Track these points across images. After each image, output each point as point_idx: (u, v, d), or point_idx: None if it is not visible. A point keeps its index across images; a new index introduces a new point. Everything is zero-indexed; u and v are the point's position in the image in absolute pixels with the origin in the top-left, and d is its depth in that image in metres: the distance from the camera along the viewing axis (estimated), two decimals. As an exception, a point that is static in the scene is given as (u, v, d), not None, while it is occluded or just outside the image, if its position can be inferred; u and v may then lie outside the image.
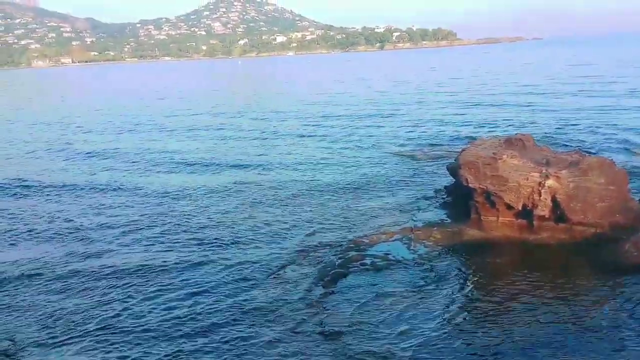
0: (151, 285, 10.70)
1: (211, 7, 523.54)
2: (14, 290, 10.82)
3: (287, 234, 13.29)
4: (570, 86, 45.38)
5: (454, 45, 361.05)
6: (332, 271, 10.86)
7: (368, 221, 13.84)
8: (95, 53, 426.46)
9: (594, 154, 17.65)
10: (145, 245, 12.95)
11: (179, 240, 13.15)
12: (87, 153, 25.97)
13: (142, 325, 9.17)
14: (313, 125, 32.22)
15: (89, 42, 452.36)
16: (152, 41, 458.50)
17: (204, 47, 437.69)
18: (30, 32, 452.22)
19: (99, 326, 9.19)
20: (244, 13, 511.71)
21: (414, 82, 64.35)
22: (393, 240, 12.38)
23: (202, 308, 9.66)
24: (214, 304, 9.79)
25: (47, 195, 18.09)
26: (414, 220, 13.66)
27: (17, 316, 9.74)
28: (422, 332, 8.62)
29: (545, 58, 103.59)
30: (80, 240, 13.49)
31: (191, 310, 9.59)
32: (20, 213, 16.09)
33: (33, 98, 78.07)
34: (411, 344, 8.29)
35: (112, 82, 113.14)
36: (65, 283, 11.00)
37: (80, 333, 9.02)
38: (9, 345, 8.79)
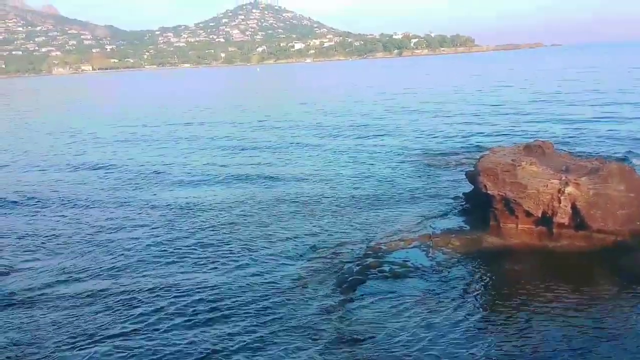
0: (169, 291, 10.79)
1: (230, 14, 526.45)
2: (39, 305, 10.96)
3: (305, 240, 13.34)
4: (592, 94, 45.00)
5: (472, 51, 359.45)
6: (351, 278, 10.88)
7: (386, 228, 13.84)
8: (115, 60, 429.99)
9: (614, 160, 17.52)
10: (166, 248, 13.10)
11: (196, 248, 13.23)
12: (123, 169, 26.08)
13: (162, 330, 9.26)
14: (331, 133, 32.33)
15: (108, 50, 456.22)
16: (171, 48, 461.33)
17: (223, 54, 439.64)
18: (51, 40, 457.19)
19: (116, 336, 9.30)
20: (263, 20, 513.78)
21: (445, 89, 64.09)
22: (411, 247, 12.38)
23: (222, 313, 9.74)
24: (233, 310, 9.85)
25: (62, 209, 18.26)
26: (433, 227, 13.64)
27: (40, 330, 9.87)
28: (441, 338, 8.63)
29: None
30: (99, 254, 13.49)
31: (210, 316, 9.67)
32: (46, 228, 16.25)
33: (74, 104, 78.66)
34: (430, 351, 8.30)
35: (136, 91, 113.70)
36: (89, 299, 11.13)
37: (99, 341, 9.13)
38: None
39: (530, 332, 8.69)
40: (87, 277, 11.77)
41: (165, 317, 9.75)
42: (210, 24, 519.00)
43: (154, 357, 8.53)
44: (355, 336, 8.80)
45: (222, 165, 23.70)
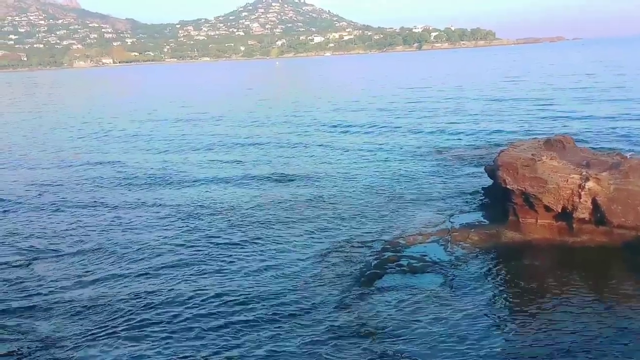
0: (187, 284, 10.87)
1: (250, 7, 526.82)
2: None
3: (324, 235, 13.36)
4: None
5: (493, 45, 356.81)
6: (369, 272, 10.89)
7: (405, 223, 13.82)
8: (136, 53, 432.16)
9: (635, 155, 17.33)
10: (180, 240, 13.19)
11: (213, 245, 13.29)
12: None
13: (177, 323, 9.34)
14: (350, 125, 32.33)
15: (129, 43, 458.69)
16: (192, 42, 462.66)
17: (242, 48, 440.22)
18: (72, 33, 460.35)
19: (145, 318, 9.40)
20: (282, 14, 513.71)
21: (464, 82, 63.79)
22: (430, 242, 12.35)
23: (239, 308, 9.78)
24: (250, 304, 9.90)
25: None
26: (451, 222, 13.61)
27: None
28: (458, 333, 8.61)
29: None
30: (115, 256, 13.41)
31: (227, 310, 9.72)
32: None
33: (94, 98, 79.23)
34: (446, 345, 8.29)
35: (156, 86, 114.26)
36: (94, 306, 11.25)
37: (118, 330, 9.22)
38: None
39: (548, 327, 8.63)
40: (106, 278, 11.74)
41: (181, 310, 9.82)
42: (230, 18, 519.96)
43: (171, 348, 8.59)
44: (372, 330, 8.81)
45: (237, 162, 23.65)
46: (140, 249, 13.05)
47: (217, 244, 13.18)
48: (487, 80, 62.90)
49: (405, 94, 52.51)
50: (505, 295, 10.00)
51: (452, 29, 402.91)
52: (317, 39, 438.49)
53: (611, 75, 56.60)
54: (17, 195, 18.84)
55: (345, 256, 11.82)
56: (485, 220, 13.77)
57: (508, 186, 12.61)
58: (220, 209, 16.02)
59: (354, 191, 17.12)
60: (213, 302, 10.06)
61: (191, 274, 11.34)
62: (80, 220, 15.54)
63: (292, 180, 19.01)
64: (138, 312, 9.80)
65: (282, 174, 20.23)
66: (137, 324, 9.38)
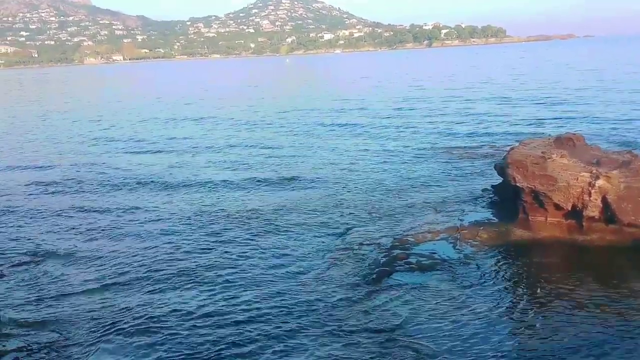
0: (192, 282, 10.88)
1: (260, 4, 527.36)
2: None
3: (331, 232, 13.34)
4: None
5: (504, 42, 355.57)
6: (377, 269, 10.86)
7: (413, 220, 13.78)
8: (146, 50, 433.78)
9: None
10: (190, 241, 13.21)
11: (221, 235, 13.34)
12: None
13: (184, 322, 9.34)
14: (358, 122, 32.30)
15: (139, 40, 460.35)
16: (202, 39, 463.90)
17: (252, 45, 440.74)
18: (83, 30, 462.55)
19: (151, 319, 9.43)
20: (292, 11, 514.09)
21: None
22: (439, 240, 12.30)
23: (247, 305, 9.76)
24: (258, 302, 9.87)
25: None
26: (460, 220, 13.55)
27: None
28: (468, 331, 8.57)
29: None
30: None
31: (234, 308, 9.70)
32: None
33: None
34: (456, 344, 8.26)
35: (171, 83, 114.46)
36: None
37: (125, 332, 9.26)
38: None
39: (557, 326, 8.58)
40: (112, 283, 11.81)
41: (189, 307, 9.83)
42: (241, 15, 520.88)
43: (180, 345, 8.62)
44: (380, 328, 8.78)
45: (247, 159, 23.70)
46: (147, 253, 12.95)
47: (218, 239, 13.18)
48: (498, 79, 62.65)
49: (414, 93, 52.33)
50: (513, 293, 9.96)
51: (463, 26, 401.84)
52: (327, 36, 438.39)
53: (622, 74, 56.27)
54: (25, 195, 18.98)
55: (354, 253, 11.80)
56: (494, 218, 13.71)
57: (518, 184, 12.57)
58: (227, 209, 15.90)
59: (362, 190, 17.08)
60: (220, 301, 10.04)
61: (199, 274, 11.32)
62: (86, 223, 15.54)
63: (297, 180, 18.91)
64: (147, 312, 9.83)
65: (286, 174, 20.06)
66: (144, 324, 9.39)
